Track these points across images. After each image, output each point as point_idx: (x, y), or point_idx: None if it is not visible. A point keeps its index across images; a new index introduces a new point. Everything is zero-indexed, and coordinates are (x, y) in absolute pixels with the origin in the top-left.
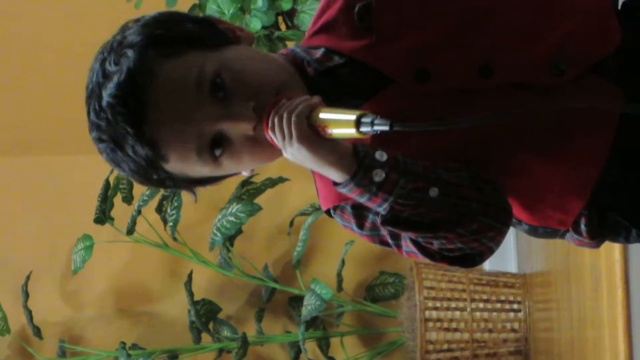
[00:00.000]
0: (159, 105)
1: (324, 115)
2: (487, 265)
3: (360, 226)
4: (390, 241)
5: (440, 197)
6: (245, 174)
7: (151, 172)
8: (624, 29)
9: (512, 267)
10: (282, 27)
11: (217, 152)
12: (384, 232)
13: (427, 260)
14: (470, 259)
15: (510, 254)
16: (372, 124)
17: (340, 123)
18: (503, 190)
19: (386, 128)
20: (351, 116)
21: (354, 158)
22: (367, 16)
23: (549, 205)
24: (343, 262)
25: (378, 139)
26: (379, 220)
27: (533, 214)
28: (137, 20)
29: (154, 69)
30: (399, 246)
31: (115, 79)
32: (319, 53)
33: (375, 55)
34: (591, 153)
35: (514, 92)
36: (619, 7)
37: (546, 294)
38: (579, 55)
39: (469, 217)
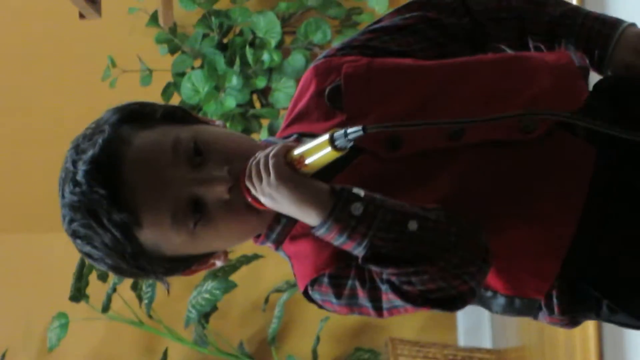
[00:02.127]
0: (134, 169)
1: (299, 150)
2: (462, 340)
3: (339, 296)
4: (369, 305)
5: (419, 230)
6: (218, 263)
7: (126, 246)
8: (592, 100)
9: (487, 343)
10: (257, 105)
11: (193, 219)
12: (362, 297)
13: (399, 333)
14: (452, 301)
15: (485, 329)
16: (345, 134)
17: (316, 149)
18: (481, 228)
19: (360, 132)
20: (324, 137)
21: (332, 195)
22: (337, 98)
23: (525, 270)
24: (318, 338)
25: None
26: (359, 260)
27: (509, 281)
28: (109, 109)
29: (129, 137)
30: (378, 308)
31: (90, 151)
32: (291, 139)
33: None
34: (564, 213)
35: (485, 149)
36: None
37: None
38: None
39: (449, 250)
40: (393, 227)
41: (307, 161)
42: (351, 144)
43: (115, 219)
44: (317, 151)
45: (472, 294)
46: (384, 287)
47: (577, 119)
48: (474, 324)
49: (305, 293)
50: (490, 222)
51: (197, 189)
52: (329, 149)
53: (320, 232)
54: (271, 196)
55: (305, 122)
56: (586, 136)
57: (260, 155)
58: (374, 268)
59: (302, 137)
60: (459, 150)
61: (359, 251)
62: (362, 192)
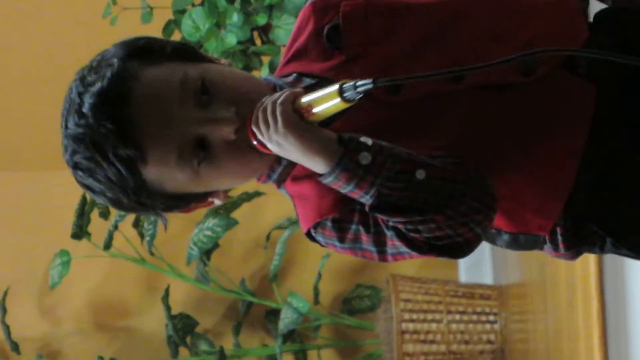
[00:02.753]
0: (142, 105)
1: (307, 97)
2: (463, 277)
3: (342, 239)
4: (373, 249)
5: (427, 179)
6: (217, 202)
7: (128, 181)
8: (594, 36)
9: (488, 279)
10: (258, 42)
11: (198, 157)
12: (365, 241)
13: (400, 269)
14: (458, 248)
15: (486, 265)
16: (354, 86)
17: (324, 98)
18: (487, 177)
19: (370, 85)
20: (333, 87)
21: (340, 144)
22: (335, 37)
23: (529, 209)
24: (320, 275)
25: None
26: (366, 207)
27: (513, 220)
28: (116, 43)
29: (137, 73)
30: (383, 253)
31: (98, 84)
32: (290, 78)
33: (346, 72)
34: (566, 153)
35: (485, 91)
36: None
37: (522, 305)
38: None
39: (457, 199)
40: (401, 176)
41: (315, 110)
42: (360, 96)
43: (121, 154)
44: (325, 101)
45: (478, 241)
46: (389, 234)
47: (578, 51)
48: (475, 261)
49: (308, 234)
50: (493, 164)
51: (203, 128)
52: (337, 99)
53: (327, 180)
54: (278, 143)
55: (303, 61)
56: (587, 74)
57: (268, 100)
58: (381, 216)
59: (301, 77)
60: (459, 94)
61: (366, 199)
62: (369, 141)
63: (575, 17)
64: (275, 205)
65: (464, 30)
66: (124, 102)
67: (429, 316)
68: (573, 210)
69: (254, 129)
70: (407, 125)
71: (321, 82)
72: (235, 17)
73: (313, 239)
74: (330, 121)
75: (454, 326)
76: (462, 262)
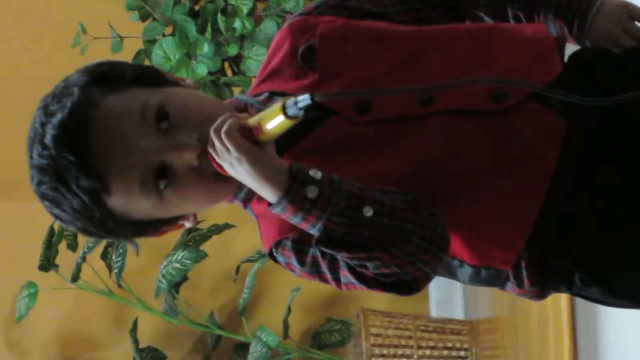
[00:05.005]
0: (102, 135)
1: (254, 118)
2: (434, 311)
3: (301, 262)
4: (330, 276)
5: (375, 216)
6: (187, 224)
7: (94, 210)
8: (567, 71)
9: (459, 314)
10: (229, 72)
11: (162, 185)
12: (323, 266)
13: (370, 304)
14: (406, 285)
15: (457, 300)
16: (295, 103)
17: (269, 116)
18: (440, 216)
19: (308, 102)
20: (276, 105)
21: (289, 175)
22: (310, 57)
23: (491, 242)
24: (289, 309)
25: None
26: (314, 242)
27: (475, 252)
28: (78, 69)
29: (97, 101)
30: (337, 280)
31: (59, 115)
32: (262, 97)
33: (318, 91)
34: (531, 184)
35: (454, 117)
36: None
37: (493, 340)
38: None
39: (404, 238)
40: (348, 212)
41: (265, 128)
42: (302, 112)
43: (84, 185)
44: (271, 118)
45: (427, 279)
46: (341, 264)
47: (542, 90)
48: (446, 295)
49: (270, 254)
50: (455, 191)
51: (166, 156)
52: (282, 117)
53: (275, 211)
54: (232, 165)
55: (276, 81)
56: (559, 108)
57: (218, 122)
58: (327, 250)
59: (272, 96)
60: (429, 117)
61: (313, 232)
62: (319, 174)
63: (552, 53)
64: (245, 238)
65: (439, 58)
66: (84, 132)
67: (400, 351)
68: (539, 243)
69: (211, 151)
70: (374, 145)
71: None
72: (206, 48)
73: (275, 259)
74: (300, 138)
75: None
76: (433, 297)
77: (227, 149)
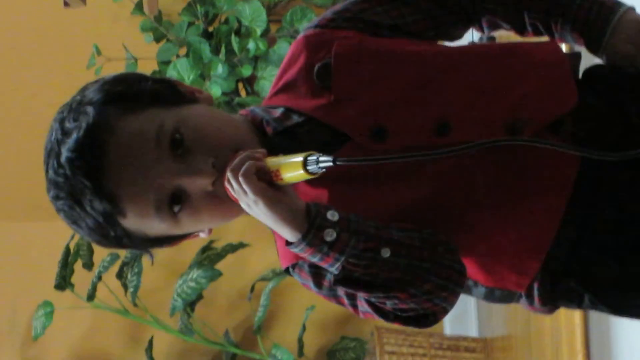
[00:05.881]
0: (117, 159)
1: (273, 160)
2: (448, 329)
3: (318, 285)
4: (346, 301)
5: (392, 257)
6: (202, 235)
7: (108, 230)
8: (583, 96)
9: (473, 332)
10: (243, 93)
11: (176, 209)
12: (341, 292)
13: (385, 322)
14: (424, 319)
15: (471, 318)
16: (317, 161)
17: (289, 166)
18: (457, 250)
19: (330, 163)
20: (298, 158)
21: (306, 217)
22: (325, 76)
23: (505, 266)
24: (304, 327)
25: (329, 202)
26: (331, 279)
27: (489, 275)
28: (96, 81)
29: (113, 124)
30: (354, 306)
31: (74, 135)
32: (278, 112)
33: (333, 114)
34: (547, 213)
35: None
36: (580, 76)
37: (507, 358)
38: (535, 115)
39: (421, 277)
40: (365, 254)
41: (282, 176)
42: (322, 170)
43: (98, 208)
44: (291, 169)
45: (444, 313)
46: (359, 295)
47: (544, 142)
48: (460, 313)
49: (287, 271)
50: (471, 220)
51: (180, 181)
52: (301, 171)
53: (295, 250)
54: (249, 206)
55: (292, 96)
56: (572, 139)
57: (235, 162)
58: (346, 289)
59: (289, 113)
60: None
61: (332, 271)
62: (336, 216)
63: (567, 80)
64: (260, 256)
65: (454, 81)
66: (100, 156)
67: None
68: (551, 267)
69: (228, 186)
70: (389, 173)
71: (309, 121)
72: (220, 69)
73: (290, 275)
74: None
75: None
76: (448, 315)
77: (244, 191)
